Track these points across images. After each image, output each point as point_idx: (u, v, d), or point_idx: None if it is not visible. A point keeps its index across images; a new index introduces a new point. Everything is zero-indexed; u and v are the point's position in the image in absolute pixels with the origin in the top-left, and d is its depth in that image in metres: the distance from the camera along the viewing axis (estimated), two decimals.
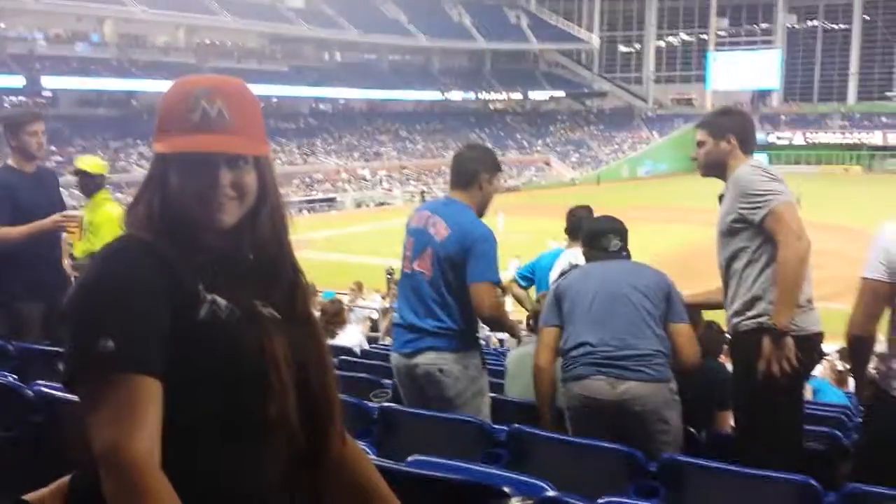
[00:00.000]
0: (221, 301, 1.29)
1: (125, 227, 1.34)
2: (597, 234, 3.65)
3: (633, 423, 3.09)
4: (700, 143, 3.38)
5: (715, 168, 3.35)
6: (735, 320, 3.17)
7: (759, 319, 3.06)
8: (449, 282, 3.34)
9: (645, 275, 3.41)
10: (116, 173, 44.83)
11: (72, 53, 49.71)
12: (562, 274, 5.30)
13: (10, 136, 4.36)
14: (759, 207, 3.02)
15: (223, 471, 1.29)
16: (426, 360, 3.37)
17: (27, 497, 1.34)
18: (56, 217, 4.22)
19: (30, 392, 2.90)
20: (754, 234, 3.08)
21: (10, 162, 4.46)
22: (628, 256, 3.59)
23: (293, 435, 1.35)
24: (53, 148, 44.37)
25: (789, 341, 2.97)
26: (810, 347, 3.11)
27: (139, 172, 45.39)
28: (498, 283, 3.46)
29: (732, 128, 3.32)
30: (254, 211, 1.37)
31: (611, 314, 3.23)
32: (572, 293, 3.38)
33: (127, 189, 42.87)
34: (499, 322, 3.65)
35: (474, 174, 3.48)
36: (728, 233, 3.18)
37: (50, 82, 46.60)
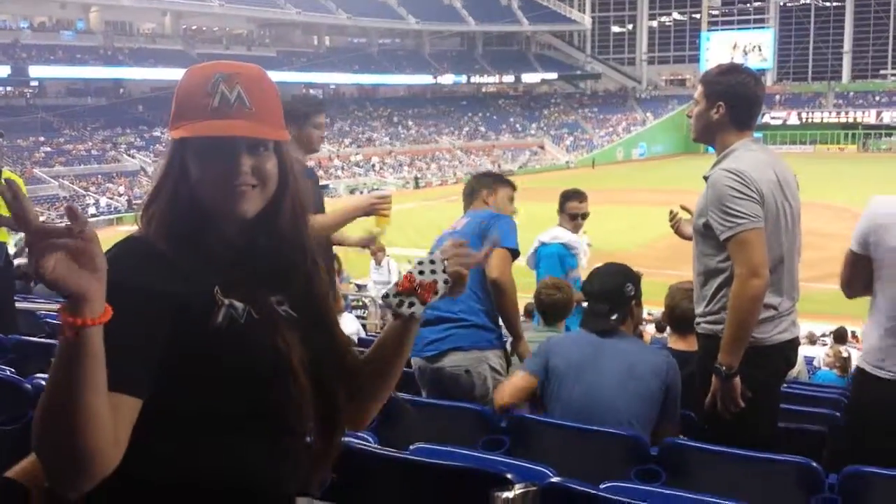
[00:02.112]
0: (238, 304, 1.27)
1: (143, 222, 1.31)
2: (588, 298, 3.30)
3: None
4: (695, 101, 3.02)
5: (703, 134, 3.02)
6: (699, 319, 3.02)
7: (716, 328, 2.88)
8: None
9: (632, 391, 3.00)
10: (106, 163, 44.72)
11: (57, 42, 49.36)
12: (541, 244, 5.33)
13: (293, 127, 3.87)
14: (727, 227, 2.77)
15: (232, 465, 1.30)
16: (451, 361, 3.37)
17: (9, 474, 1.33)
18: (372, 198, 3.80)
19: (28, 385, 2.89)
20: (722, 246, 2.84)
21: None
22: (620, 320, 3.19)
23: (305, 432, 1.36)
24: (42, 138, 44.28)
25: (736, 382, 2.78)
26: (774, 358, 2.94)
27: (129, 162, 45.26)
28: (516, 252, 3.48)
29: (725, 93, 2.91)
30: (275, 199, 1.34)
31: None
32: (559, 371, 3.12)
33: (117, 179, 42.91)
34: (503, 291, 3.49)
35: (473, 192, 3.90)
36: (699, 232, 2.97)
37: (36, 71, 46.38)
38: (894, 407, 2.72)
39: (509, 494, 1.41)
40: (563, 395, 3.06)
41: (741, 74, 2.99)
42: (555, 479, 2.03)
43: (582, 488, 1.95)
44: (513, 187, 3.98)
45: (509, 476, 1.94)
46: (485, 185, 3.91)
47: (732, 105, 2.92)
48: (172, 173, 1.30)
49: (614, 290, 3.19)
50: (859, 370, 2.90)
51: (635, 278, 3.27)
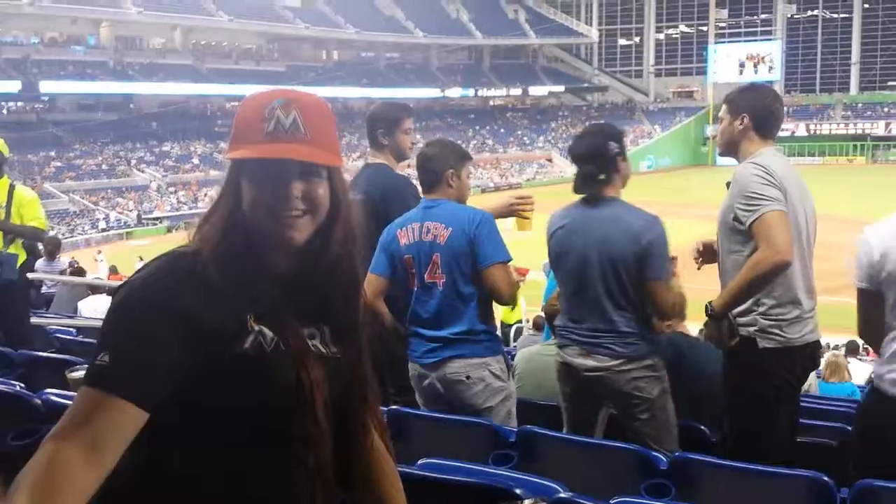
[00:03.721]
0: (268, 333, 1.28)
1: (195, 238, 1.32)
2: (575, 162, 3.32)
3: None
4: (720, 119, 3.23)
5: (728, 147, 3.20)
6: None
7: (750, 329, 3.00)
8: (466, 280, 3.24)
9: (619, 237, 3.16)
10: (116, 178, 44.96)
11: (68, 57, 49.77)
12: None
13: (383, 134, 3.86)
14: (752, 210, 2.90)
15: (242, 493, 1.30)
16: (451, 369, 3.28)
17: None
18: (512, 198, 3.67)
19: (38, 400, 2.90)
20: (749, 237, 2.95)
21: (383, 161, 3.90)
22: (607, 179, 3.22)
23: (323, 466, 1.36)
24: (52, 153, 44.58)
25: (722, 326, 2.98)
26: (802, 358, 3.07)
27: (140, 178, 45.50)
28: (509, 260, 3.30)
29: (748, 106, 3.13)
30: (325, 228, 1.35)
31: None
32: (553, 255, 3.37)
33: (127, 194, 43.12)
34: (508, 302, 3.43)
35: (439, 175, 3.38)
36: (728, 228, 3.08)
37: (47, 87, 46.74)
38: None
39: None
40: (561, 269, 3.32)
41: (761, 90, 3.33)
42: (564, 495, 2.02)
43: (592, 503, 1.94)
44: (471, 159, 3.61)
45: (518, 491, 1.94)
46: (448, 163, 3.39)
47: (755, 116, 3.12)
48: (229, 194, 1.32)
49: (599, 150, 3.24)
50: (877, 390, 2.82)
51: (618, 135, 3.33)
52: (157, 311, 1.20)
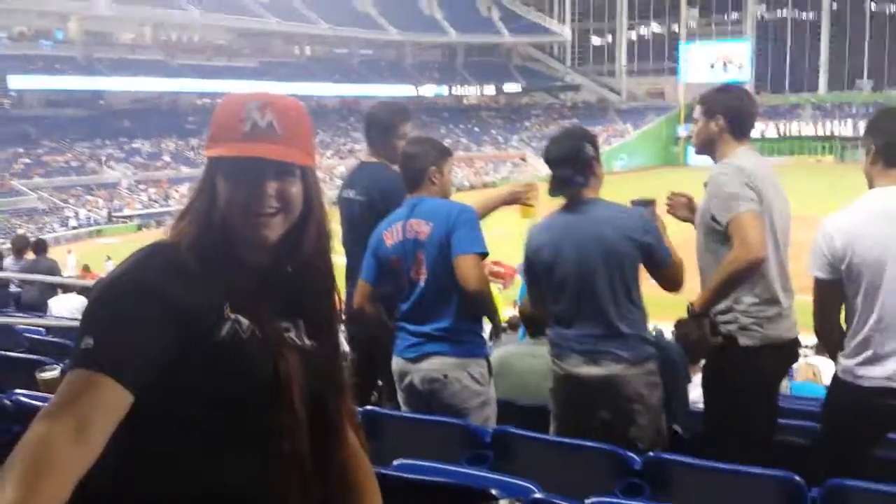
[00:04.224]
0: (244, 321, 1.31)
1: (172, 234, 1.37)
2: (550, 166, 3.29)
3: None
4: (695, 120, 3.28)
5: (704, 147, 3.25)
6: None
7: (730, 327, 3.06)
8: (449, 273, 3.20)
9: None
10: (86, 175, 44.34)
11: (36, 52, 48.87)
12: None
13: (378, 137, 3.83)
14: (727, 211, 2.96)
15: (222, 481, 1.31)
16: (430, 365, 3.26)
17: None
18: (516, 187, 3.66)
19: (7, 401, 2.86)
20: (726, 237, 3.00)
21: (379, 161, 3.85)
22: (585, 181, 3.20)
23: (300, 455, 1.36)
24: (20, 150, 43.85)
25: (703, 323, 3.01)
26: (782, 355, 3.17)
27: (110, 175, 44.92)
28: (485, 254, 3.26)
29: (722, 108, 3.18)
30: (298, 226, 1.39)
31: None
32: (544, 260, 3.25)
33: (97, 191, 42.55)
34: (483, 300, 3.31)
35: (421, 172, 3.38)
36: (706, 228, 3.14)
37: (15, 82, 45.96)
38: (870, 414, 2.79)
39: None
40: (555, 280, 3.20)
41: (735, 90, 3.40)
42: (539, 495, 2.03)
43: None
44: (452, 154, 3.59)
45: (494, 492, 1.94)
46: (431, 161, 3.38)
47: (730, 117, 3.17)
48: (205, 191, 1.37)
49: (575, 153, 3.21)
50: (839, 379, 2.93)
51: (592, 138, 3.35)
52: (139, 296, 1.24)
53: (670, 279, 3.20)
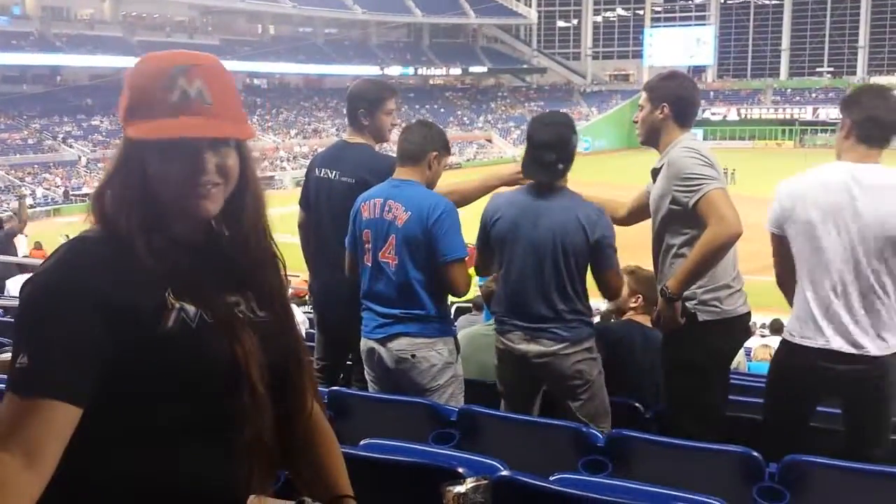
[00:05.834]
0: (190, 308, 1.23)
1: (93, 218, 1.27)
2: (535, 147, 3.26)
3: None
4: (640, 107, 3.28)
5: (648, 136, 3.25)
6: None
7: (690, 303, 3.10)
8: (416, 265, 3.24)
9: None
10: (43, 153, 43.39)
11: None
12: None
13: (364, 114, 3.73)
14: (693, 191, 2.97)
15: (186, 471, 1.27)
16: (398, 346, 3.28)
17: None
18: (515, 168, 3.60)
19: None
20: (689, 219, 3.03)
21: (363, 141, 3.76)
22: (564, 170, 3.24)
23: (262, 436, 1.31)
24: None
25: (678, 305, 3.05)
26: (737, 329, 3.25)
27: (68, 153, 43.99)
28: (466, 256, 3.31)
29: (668, 96, 3.19)
30: (235, 197, 1.31)
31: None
32: (501, 232, 3.31)
33: (54, 169, 41.68)
34: (463, 295, 3.55)
35: (423, 152, 3.36)
36: (663, 214, 3.16)
37: None
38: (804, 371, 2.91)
39: (461, 489, 1.41)
40: (506, 255, 3.28)
41: (680, 79, 3.42)
42: (505, 473, 2.05)
43: (533, 481, 1.97)
44: (451, 153, 3.67)
45: (461, 470, 1.96)
46: (437, 147, 3.39)
47: (675, 105, 3.18)
48: (127, 169, 1.25)
49: (562, 141, 3.22)
50: (785, 341, 3.04)
51: (575, 128, 3.39)
52: (68, 301, 1.15)
53: (612, 284, 3.32)
